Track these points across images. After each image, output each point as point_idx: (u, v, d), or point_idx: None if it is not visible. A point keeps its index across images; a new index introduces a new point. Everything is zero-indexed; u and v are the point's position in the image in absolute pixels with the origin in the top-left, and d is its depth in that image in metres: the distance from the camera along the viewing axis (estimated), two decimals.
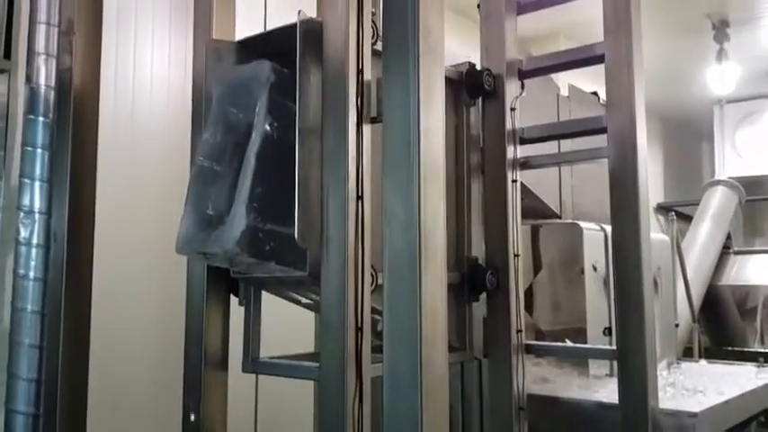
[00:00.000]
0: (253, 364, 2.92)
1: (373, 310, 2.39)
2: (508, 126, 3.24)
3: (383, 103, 2.25)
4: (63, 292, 2.95)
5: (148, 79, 4.33)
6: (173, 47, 4.43)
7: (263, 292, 2.96)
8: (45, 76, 3.07)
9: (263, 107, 2.54)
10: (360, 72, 2.40)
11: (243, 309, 2.94)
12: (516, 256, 3.21)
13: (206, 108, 2.83)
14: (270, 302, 3.01)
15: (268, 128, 2.52)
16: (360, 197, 2.35)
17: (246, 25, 3.15)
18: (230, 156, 2.65)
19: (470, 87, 3.20)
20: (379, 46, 2.40)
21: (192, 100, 3.06)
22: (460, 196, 3.18)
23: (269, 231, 2.49)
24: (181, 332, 2.97)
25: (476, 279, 3.12)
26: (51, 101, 3.08)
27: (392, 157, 2.12)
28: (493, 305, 3.18)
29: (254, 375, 3.17)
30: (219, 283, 2.92)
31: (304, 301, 3.00)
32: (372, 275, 2.38)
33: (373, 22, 2.47)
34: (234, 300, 2.97)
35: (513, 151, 3.26)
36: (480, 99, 3.27)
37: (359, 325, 2.30)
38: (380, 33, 2.35)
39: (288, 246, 2.44)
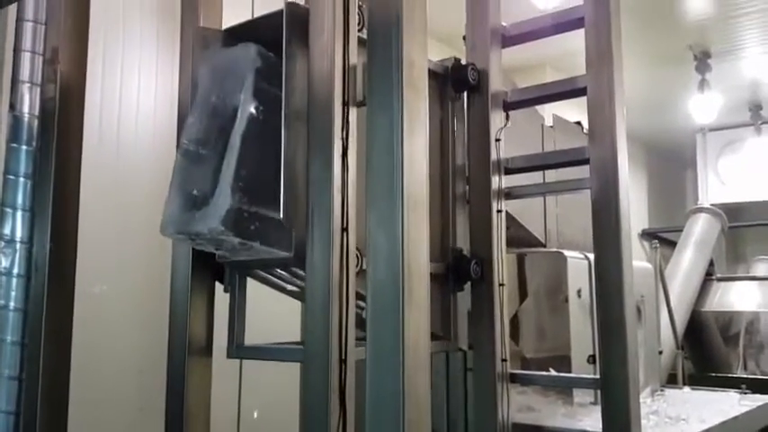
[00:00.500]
0: (237, 349, 2.94)
1: (358, 296, 2.39)
2: (493, 156, 3.26)
3: (366, 135, 2.26)
4: (43, 322, 2.92)
5: (134, 108, 4.33)
6: (159, 75, 4.44)
7: (251, 287, 2.97)
8: (29, 104, 3.07)
9: (249, 90, 2.55)
10: (346, 57, 2.42)
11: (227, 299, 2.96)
12: (501, 285, 3.22)
13: (192, 98, 2.83)
14: (255, 297, 3.02)
15: (254, 111, 2.52)
16: (345, 180, 2.37)
17: (234, 17, 3.11)
18: (215, 139, 2.65)
19: (456, 81, 3.25)
20: (364, 33, 2.43)
21: (179, 92, 3.08)
22: (445, 188, 3.22)
23: (254, 213, 2.49)
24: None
25: (460, 269, 3.16)
26: (35, 129, 3.06)
27: (375, 187, 2.13)
28: (477, 295, 3.21)
29: (237, 374, 3.15)
30: (204, 269, 2.93)
31: (289, 288, 3.00)
32: (357, 257, 2.39)
33: (359, 8, 2.50)
34: (219, 288, 2.98)
35: (498, 181, 3.28)
36: (465, 94, 3.30)
37: (343, 308, 2.31)
38: (366, 21, 2.40)
39: (273, 227, 2.46)
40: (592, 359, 3.83)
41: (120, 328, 4.02)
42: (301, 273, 2.57)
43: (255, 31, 2.74)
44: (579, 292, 3.94)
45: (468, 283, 3.19)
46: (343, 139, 2.38)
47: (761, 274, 9.38)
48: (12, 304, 2.92)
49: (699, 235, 8.27)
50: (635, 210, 10.05)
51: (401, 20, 2.09)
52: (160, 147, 4.19)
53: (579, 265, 3.98)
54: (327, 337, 2.29)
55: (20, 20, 3.09)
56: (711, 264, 8.17)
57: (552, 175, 3.91)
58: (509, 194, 3.37)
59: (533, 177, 3.65)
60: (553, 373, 3.63)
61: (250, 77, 2.56)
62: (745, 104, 9.69)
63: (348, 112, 2.42)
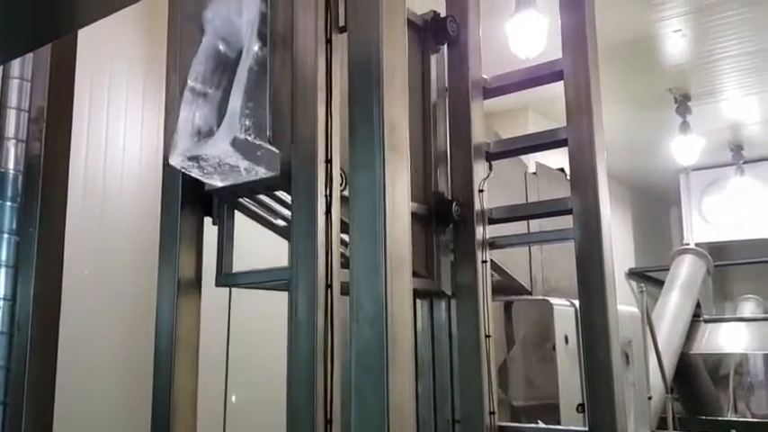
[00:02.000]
0: (225, 278, 3.01)
1: (342, 225, 2.43)
2: (477, 207, 3.29)
3: (349, 195, 2.28)
4: (26, 380, 2.89)
5: (120, 155, 4.33)
6: (145, 122, 4.46)
7: None
8: (14, 160, 3.08)
9: (254, 28, 2.62)
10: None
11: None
12: (487, 336, 3.22)
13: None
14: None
15: (258, 49, 2.60)
16: (328, 103, 2.43)
17: None
18: (220, 78, 2.75)
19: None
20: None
21: (164, 139, 3.07)
22: (427, 132, 3.32)
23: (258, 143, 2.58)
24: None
25: (442, 211, 3.24)
26: (20, 185, 3.07)
27: (359, 250, 2.14)
28: (458, 236, 3.28)
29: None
30: (194, 205, 2.98)
31: (277, 222, 3.07)
32: (342, 176, 2.45)
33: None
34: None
35: (483, 232, 3.30)
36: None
37: (328, 231, 2.36)
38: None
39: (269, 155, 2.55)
40: (581, 408, 3.81)
41: (104, 379, 3.98)
42: (287, 200, 2.66)
43: None
44: (566, 339, 3.95)
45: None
46: (327, 61, 2.46)
47: (747, 314, 9.43)
48: None
49: (685, 277, 8.31)
50: (621, 249, 10.13)
51: (382, 83, 2.12)
52: (146, 191, 4.19)
53: (566, 313, 3.99)
54: (314, 262, 2.32)
55: (5, 77, 3.12)
56: (698, 305, 8.19)
57: (536, 221, 3.94)
58: (493, 244, 3.39)
59: (518, 225, 3.68)
60: (542, 425, 3.61)
61: (256, 18, 2.64)
62: (726, 145, 9.84)
63: (331, 36, 2.49)
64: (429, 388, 3.57)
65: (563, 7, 3.22)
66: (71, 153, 3.21)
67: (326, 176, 2.40)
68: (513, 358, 4.11)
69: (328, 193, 2.43)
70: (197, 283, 2.99)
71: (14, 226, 3.04)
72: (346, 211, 2.38)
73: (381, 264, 2.04)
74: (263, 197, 2.98)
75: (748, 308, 9.75)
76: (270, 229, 3.16)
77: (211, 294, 3.08)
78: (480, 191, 3.32)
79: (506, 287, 4.14)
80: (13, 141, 3.09)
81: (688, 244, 9.96)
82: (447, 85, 3.47)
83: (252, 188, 2.83)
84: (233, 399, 3.16)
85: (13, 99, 3.11)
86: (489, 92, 3.49)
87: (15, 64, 3.11)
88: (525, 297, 4.23)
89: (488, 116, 3.49)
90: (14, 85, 3.11)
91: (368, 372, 2.03)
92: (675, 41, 6.65)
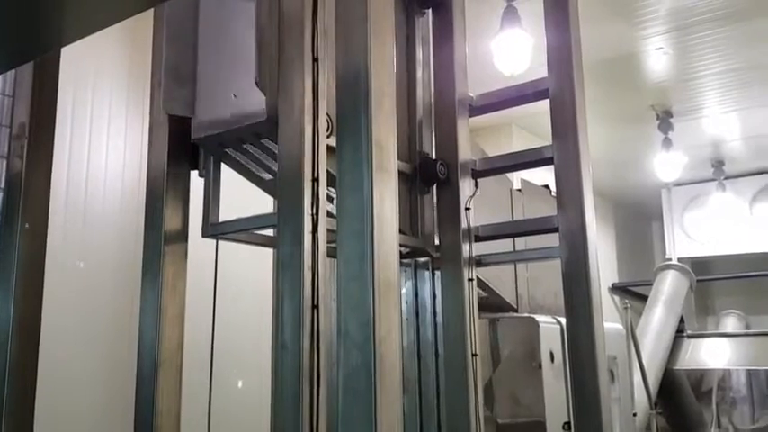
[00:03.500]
0: (212, 227, 3.10)
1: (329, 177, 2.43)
2: (463, 225, 3.28)
3: (337, 215, 2.26)
4: (4, 399, 2.83)
5: (103, 169, 4.29)
6: (128, 140, 4.42)
7: None
8: None
9: None
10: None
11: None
12: (474, 355, 3.20)
13: None
14: None
15: None
16: (315, 59, 2.46)
17: None
18: None
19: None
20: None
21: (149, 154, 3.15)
22: (412, 96, 3.37)
23: None
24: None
25: (427, 170, 3.27)
26: (0, 202, 3.03)
27: (347, 271, 2.12)
28: (443, 195, 3.31)
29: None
30: (180, 158, 3.05)
31: (263, 176, 3.12)
32: (328, 121, 2.48)
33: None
34: None
35: (469, 250, 3.29)
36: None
37: (315, 176, 2.39)
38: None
39: None
40: (567, 426, 3.80)
41: (84, 394, 3.91)
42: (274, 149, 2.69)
43: None
44: (552, 357, 3.93)
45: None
46: (313, 14, 2.50)
47: (730, 329, 9.47)
48: None
49: (668, 292, 8.35)
50: (604, 264, 10.15)
51: (370, 105, 2.11)
52: (128, 208, 4.15)
53: (551, 330, 3.98)
54: (300, 285, 2.31)
55: None
56: (681, 320, 8.22)
57: (522, 239, 3.94)
58: (479, 262, 3.38)
59: (504, 243, 3.67)
60: None
61: None
62: (707, 161, 9.92)
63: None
64: (415, 407, 3.55)
65: (549, 27, 3.23)
66: (53, 170, 3.18)
67: (313, 195, 2.39)
68: (498, 376, 4.09)
69: (314, 212, 2.41)
70: (184, 236, 3.06)
71: None
72: (331, 162, 2.38)
73: (370, 286, 2.01)
74: (249, 148, 3.01)
75: (730, 323, 9.80)
76: (256, 184, 3.19)
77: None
78: (467, 209, 3.31)
79: (492, 304, 4.13)
80: None
81: (670, 259, 10.01)
82: (432, 95, 3.49)
83: (239, 137, 2.88)
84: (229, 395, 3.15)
85: None
86: (475, 110, 3.49)
87: None
88: (511, 315, 4.22)
89: (472, 132, 3.49)
90: None
91: (356, 395, 2.00)
92: (657, 59, 6.71)
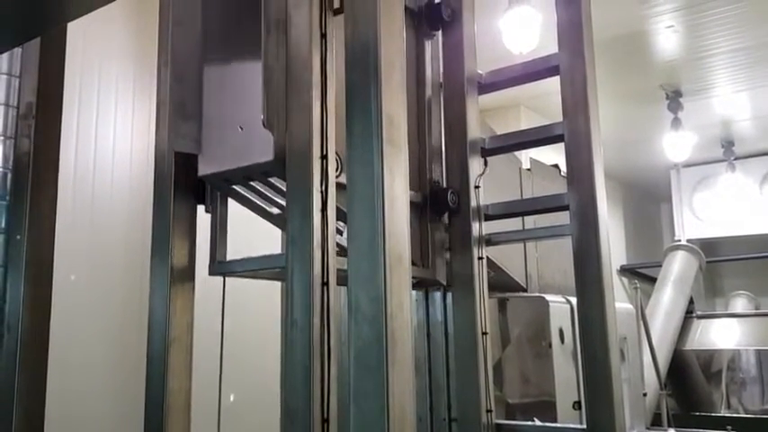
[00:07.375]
0: (219, 265, 2.96)
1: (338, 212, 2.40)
2: (473, 203, 3.26)
3: (347, 189, 2.24)
4: (16, 383, 2.84)
5: (110, 152, 4.28)
6: (136, 121, 4.41)
7: None
8: (2, 158, 3.03)
9: None
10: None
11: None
12: (484, 333, 3.19)
13: None
14: None
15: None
16: (324, 83, 2.40)
17: None
18: None
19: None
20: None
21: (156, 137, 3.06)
22: (421, 122, 3.30)
23: None
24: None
25: (438, 199, 3.22)
26: (8, 183, 3.02)
27: (357, 247, 2.10)
28: (454, 224, 3.26)
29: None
30: (186, 193, 2.93)
31: (271, 209, 3.03)
32: (337, 161, 2.42)
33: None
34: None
35: (479, 229, 3.27)
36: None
37: (324, 229, 2.33)
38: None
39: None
40: (577, 405, 3.79)
41: (96, 378, 3.93)
42: (282, 187, 2.62)
43: None
44: (562, 336, 3.92)
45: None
46: (321, 44, 2.44)
47: (739, 310, 9.45)
48: None
49: (677, 273, 8.32)
50: (613, 245, 10.10)
51: (380, 76, 2.08)
52: (137, 189, 4.15)
53: (561, 310, 3.96)
54: (310, 261, 2.28)
55: None
56: (691, 301, 8.20)
57: (531, 220, 3.91)
58: (489, 241, 3.36)
59: (513, 221, 3.65)
60: (538, 423, 3.58)
61: None
62: (717, 141, 9.85)
63: (326, 19, 2.45)
64: (425, 386, 3.55)
65: (559, 2, 3.19)
66: (60, 150, 3.16)
67: (322, 172, 2.36)
68: (508, 355, 4.08)
69: (324, 189, 2.39)
70: (190, 272, 2.94)
71: (3, 225, 2.99)
72: (342, 199, 2.33)
73: (380, 261, 2.00)
74: (256, 185, 2.93)
75: (740, 304, 9.78)
76: (264, 217, 3.10)
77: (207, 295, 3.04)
78: (476, 187, 3.29)
79: (501, 284, 4.11)
80: (2, 138, 3.04)
81: (679, 240, 9.97)
82: (441, 80, 3.44)
83: (246, 175, 2.79)
84: (231, 398, 3.13)
85: (1, 95, 3.05)
86: (484, 87, 3.45)
87: (4, 59, 3.06)
88: (521, 294, 4.20)
89: (481, 112, 3.46)
90: (3, 80, 3.07)
91: (367, 370, 1.99)
92: (667, 37, 6.65)
